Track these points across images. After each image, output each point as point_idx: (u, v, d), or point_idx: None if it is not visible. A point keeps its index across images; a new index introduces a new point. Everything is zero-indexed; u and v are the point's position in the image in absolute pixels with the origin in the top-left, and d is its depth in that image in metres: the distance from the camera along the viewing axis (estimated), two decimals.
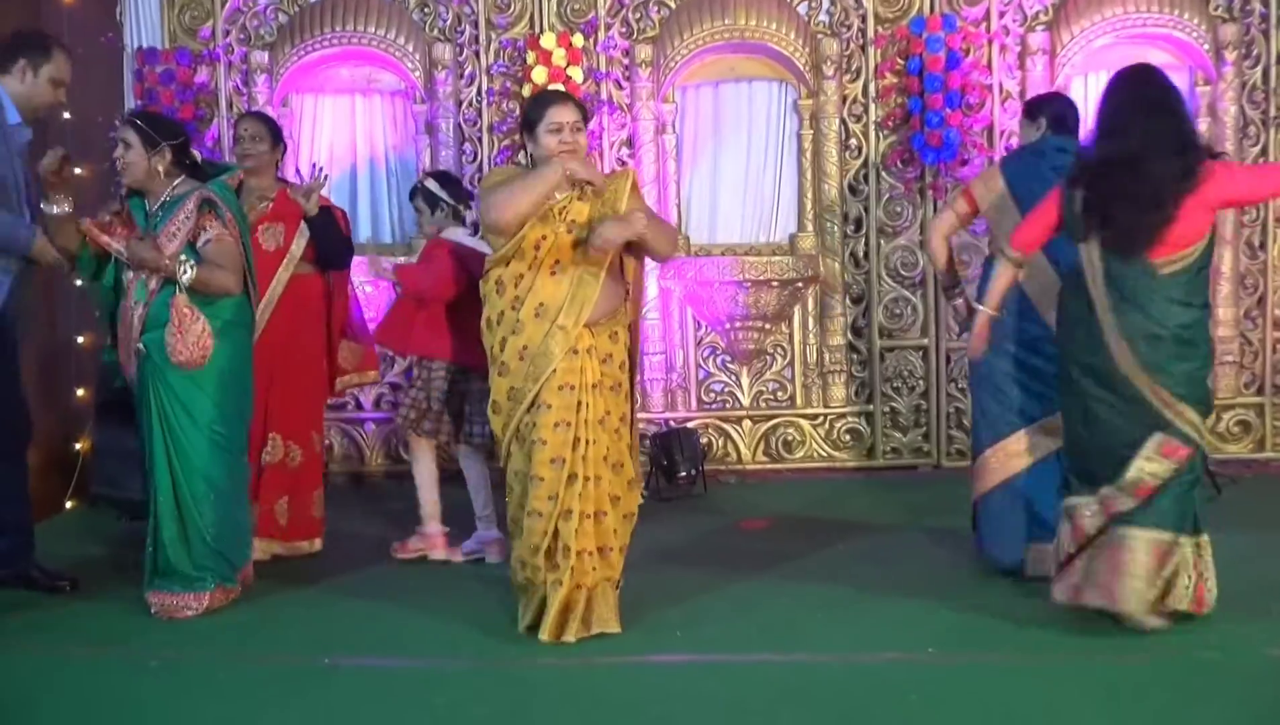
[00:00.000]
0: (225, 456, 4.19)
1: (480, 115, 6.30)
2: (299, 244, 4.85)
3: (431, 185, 4.96)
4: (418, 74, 6.28)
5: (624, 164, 6.23)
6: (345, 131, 6.50)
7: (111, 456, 5.16)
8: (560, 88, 5.74)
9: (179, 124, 4.52)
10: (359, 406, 6.36)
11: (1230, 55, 6.09)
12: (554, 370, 3.77)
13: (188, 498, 4.12)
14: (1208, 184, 3.63)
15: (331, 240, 4.91)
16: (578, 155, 3.89)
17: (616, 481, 3.89)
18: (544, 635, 3.78)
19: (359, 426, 6.38)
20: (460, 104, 6.32)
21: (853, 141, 6.27)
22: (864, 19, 6.24)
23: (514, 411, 3.83)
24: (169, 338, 4.02)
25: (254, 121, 4.97)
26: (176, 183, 4.18)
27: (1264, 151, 6.17)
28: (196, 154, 4.37)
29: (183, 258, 4.03)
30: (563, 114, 3.88)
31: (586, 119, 4.00)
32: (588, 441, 3.79)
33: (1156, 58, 6.18)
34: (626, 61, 6.29)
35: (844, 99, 6.23)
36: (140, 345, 4.12)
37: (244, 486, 4.36)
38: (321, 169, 5.07)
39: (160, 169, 4.15)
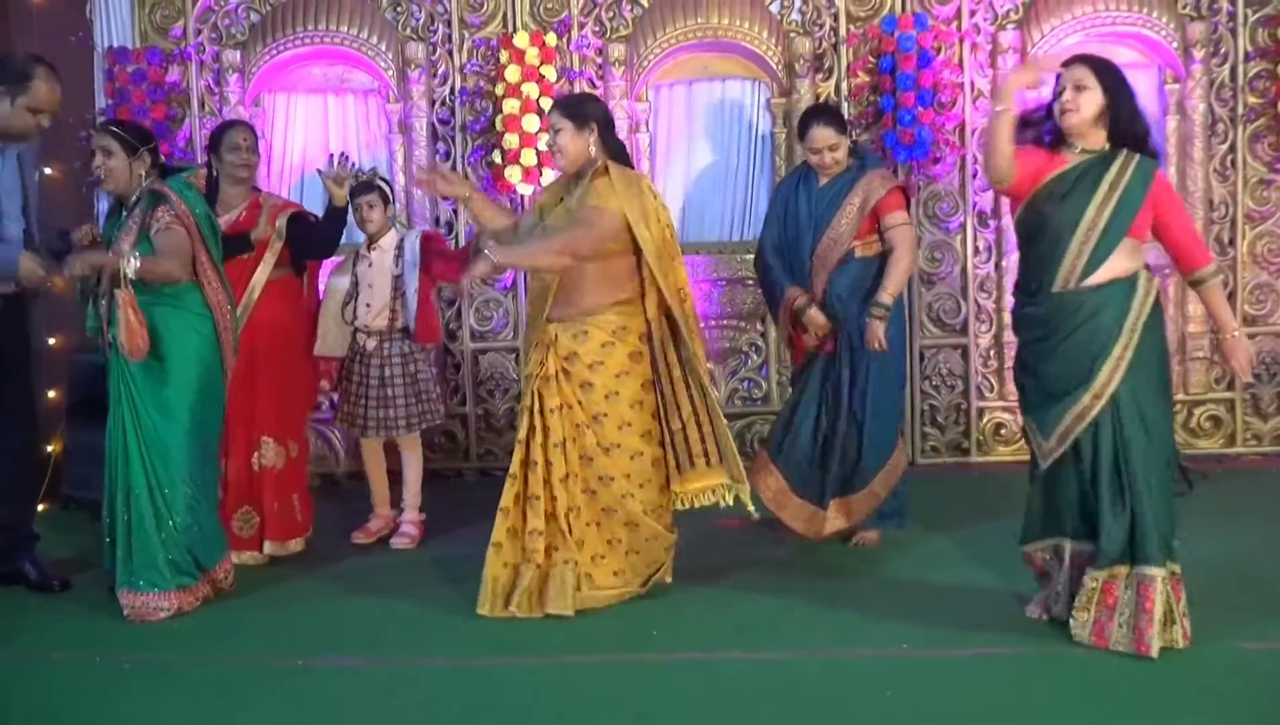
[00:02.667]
0: (199, 451, 4.21)
1: (454, 114, 6.29)
2: (274, 248, 4.86)
3: (383, 183, 5.17)
4: (390, 73, 6.26)
5: None
6: (318, 131, 6.48)
7: (84, 458, 5.15)
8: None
9: (147, 128, 4.60)
10: (332, 406, 6.33)
11: (1199, 53, 6.14)
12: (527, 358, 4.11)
13: (159, 492, 4.13)
14: None
15: (334, 234, 4.97)
16: (564, 155, 4.11)
17: (588, 474, 4.06)
18: (512, 610, 3.98)
19: (331, 427, 6.35)
20: (434, 103, 6.30)
21: None
22: (836, 18, 6.25)
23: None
24: (118, 332, 4.08)
25: (249, 132, 5.01)
26: (148, 182, 4.25)
27: (1232, 148, 6.22)
28: (161, 156, 4.46)
29: (128, 251, 4.09)
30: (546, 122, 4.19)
31: (574, 114, 4.12)
32: (543, 429, 4.04)
33: (1125, 55, 6.25)
34: (600, 60, 6.29)
35: (816, 97, 6.23)
36: (111, 337, 4.17)
37: (214, 486, 4.37)
38: (346, 156, 5.09)
39: (141, 173, 4.24)
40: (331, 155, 5.13)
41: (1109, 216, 3.63)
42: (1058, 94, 3.79)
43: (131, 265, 4.05)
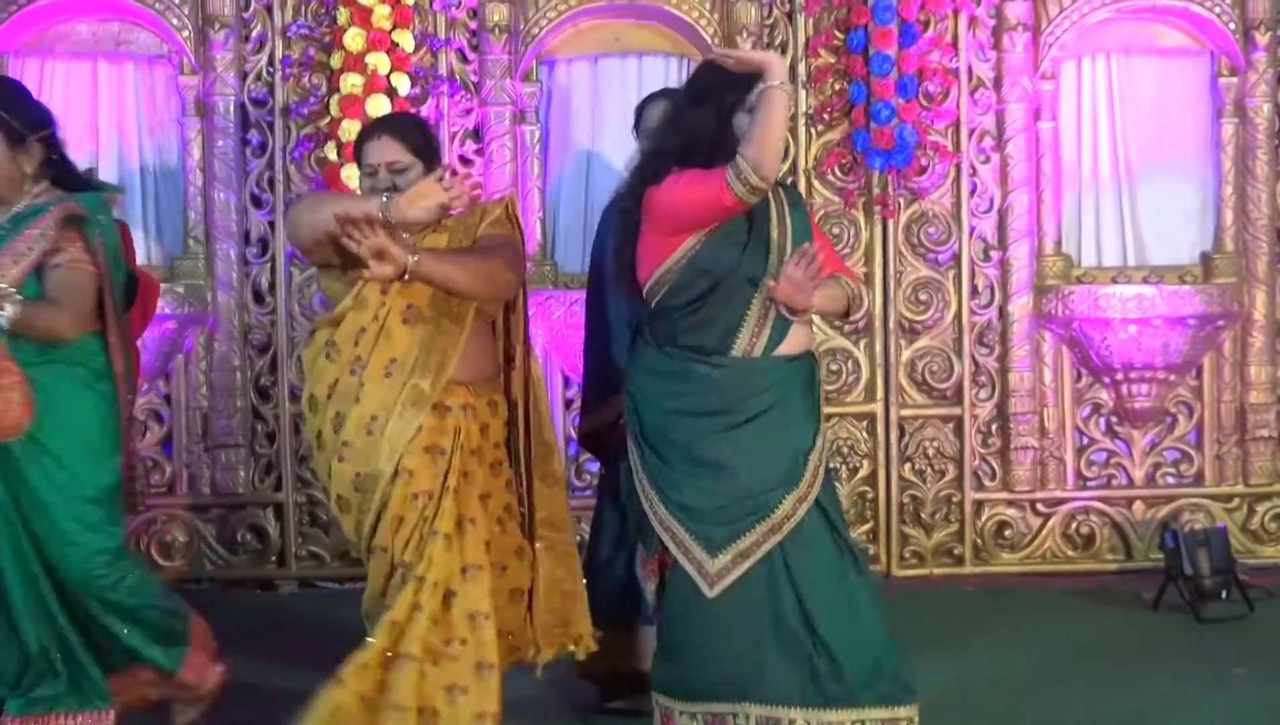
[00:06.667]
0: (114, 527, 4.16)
1: (272, 93, 6.24)
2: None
3: None
4: (186, 34, 6.20)
5: (467, 163, 6.24)
6: (84, 107, 6.39)
7: None
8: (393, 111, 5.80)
9: (42, 107, 4.34)
10: None
11: (1262, 38, 6.31)
12: (419, 428, 3.83)
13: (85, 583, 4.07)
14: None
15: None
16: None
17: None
18: None
19: None
20: (245, 77, 6.26)
21: None
22: None
23: (366, 504, 3.87)
24: None
25: None
26: (38, 190, 4.12)
27: None
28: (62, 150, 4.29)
29: (9, 291, 3.94)
30: (375, 153, 4.00)
31: (424, 150, 4.06)
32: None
33: (1169, 38, 6.43)
34: (474, 25, 6.29)
35: None
36: None
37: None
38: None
39: (28, 172, 4.10)
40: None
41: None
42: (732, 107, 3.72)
43: (7, 312, 3.88)
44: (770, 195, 3.73)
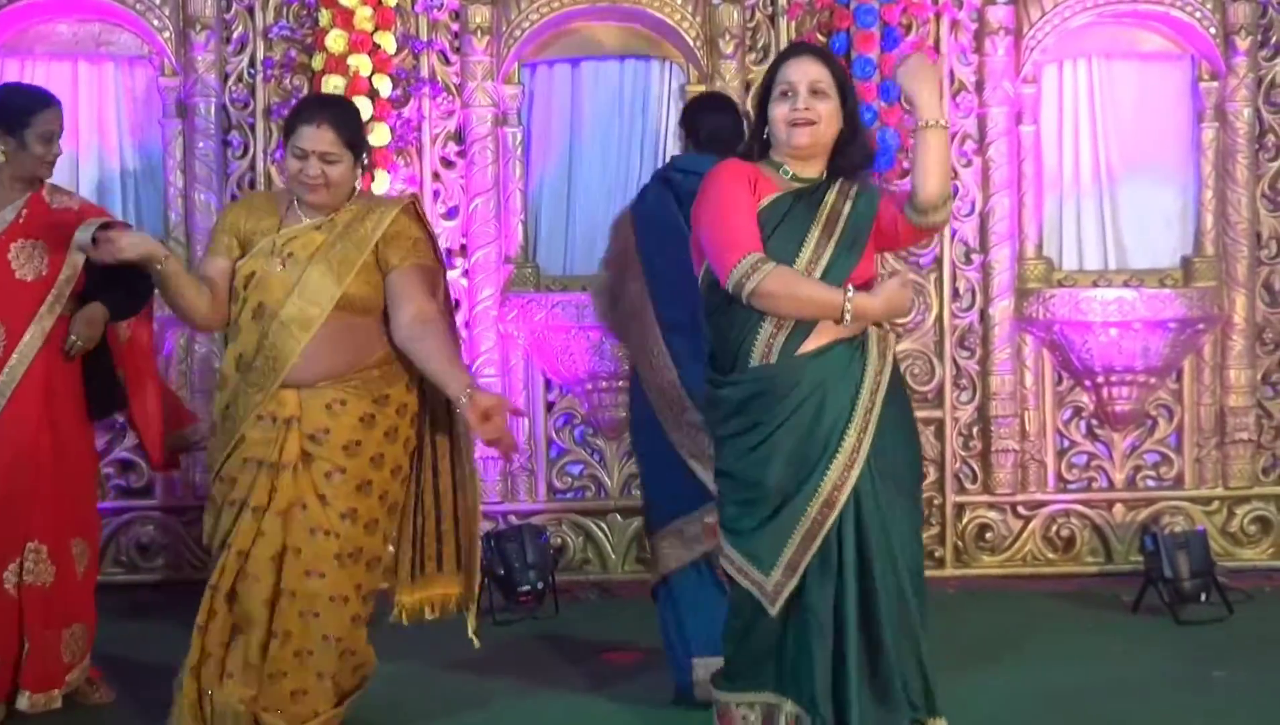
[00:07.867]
0: None
1: (254, 95, 6.26)
2: (70, 270, 4.56)
3: None
4: (167, 35, 6.21)
5: (450, 165, 6.27)
6: (64, 109, 6.29)
7: None
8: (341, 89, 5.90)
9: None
10: None
11: (1243, 43, 6.36)
12: (241, 437, 4.04)
13: None
14: None
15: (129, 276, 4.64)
16: (330, 190, 4.03)
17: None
18: None
19: None
20: (226, 79, 6.27)
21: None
22: None
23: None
24: None
25: (61, 116, 4.74)
26: None
27: None
28: None
29: None
30: (312, 139, 3.97)
31: (356, 144, 4.08)
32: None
33: (1150, 43, 6.48)
34: (456, 27, 6.31)
35: (747, 85, 6.30)
36: None
37: None
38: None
39: None
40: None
41: (830, 256, 3.70)
42: (767, 93, 3.78)
43: None
44: (831, 191, 3.72)
